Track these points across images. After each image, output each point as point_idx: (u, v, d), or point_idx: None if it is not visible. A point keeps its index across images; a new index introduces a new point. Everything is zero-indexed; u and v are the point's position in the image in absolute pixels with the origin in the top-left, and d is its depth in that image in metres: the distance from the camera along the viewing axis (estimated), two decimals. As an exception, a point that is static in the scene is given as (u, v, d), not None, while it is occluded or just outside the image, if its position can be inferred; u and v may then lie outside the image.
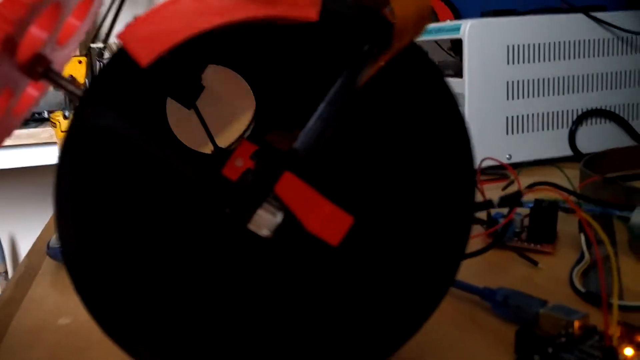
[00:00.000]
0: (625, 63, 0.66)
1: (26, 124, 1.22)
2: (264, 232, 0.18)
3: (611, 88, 0.65)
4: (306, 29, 0.18)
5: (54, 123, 1.40)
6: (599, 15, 0.63)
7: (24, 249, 1.78)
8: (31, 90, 0.19)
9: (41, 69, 0.18)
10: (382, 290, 0.21)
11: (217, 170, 0.20)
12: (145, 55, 0.17)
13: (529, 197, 0.45)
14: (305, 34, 0.20)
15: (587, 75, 0.64)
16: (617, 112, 0.66)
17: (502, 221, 0.41)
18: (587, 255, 0.37)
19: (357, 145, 0.21)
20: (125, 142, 0.17)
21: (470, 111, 0.61)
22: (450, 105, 0.19)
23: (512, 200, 0.32)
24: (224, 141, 0.24)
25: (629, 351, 0.26)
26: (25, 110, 0.19)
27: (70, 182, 0.18)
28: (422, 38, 0.70)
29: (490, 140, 0.62)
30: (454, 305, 0.33)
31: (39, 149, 1.41)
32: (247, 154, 0.20)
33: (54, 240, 0.44)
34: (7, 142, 1.18)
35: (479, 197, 0.44)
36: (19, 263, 0.45)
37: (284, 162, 0.18)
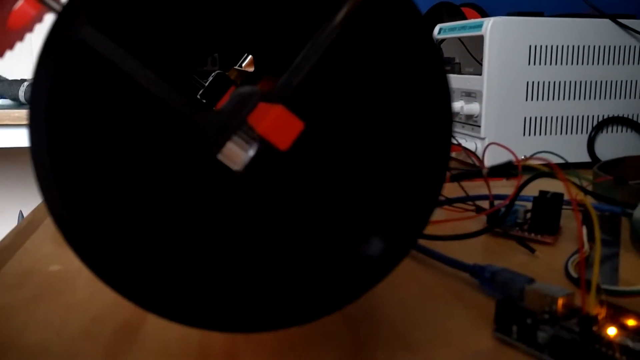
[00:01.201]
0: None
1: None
2: (236, 166, 0.19)
3: (634, 97, 0.64)
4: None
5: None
6: (626, 22, 0.63)
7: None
8: (26, 7, 0.20)
9: None
10: (350, 233, 0.21)
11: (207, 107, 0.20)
12: None
13: (534, 191, 0.45)
14: None
15: (609, 82, 0.63)
16: (638, 120, 0.65)
17: (503, 208, 0.41)
18: (586, 246, 0.37)
19: (336, 85, 0.21)
20: (102, 59, 0.18)
21: (487, 109, 0.61)
22: (430, 49, 0.19)
23: (503, 170, 0.32)
24: None
25: (612, 331, 0.26)
26: (23, 26, 0.20)
27: (45, 102, 0.18)
28: (447, 35, 0.70)
29: (506, 140, 0.61)
30: (441, 281, 0.33)
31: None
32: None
33: None
34: (21, 121, 1.20)
35: (484, 190, 0.44)
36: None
37: (258, 93, 0.18)
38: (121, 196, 0.21)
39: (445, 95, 0.20)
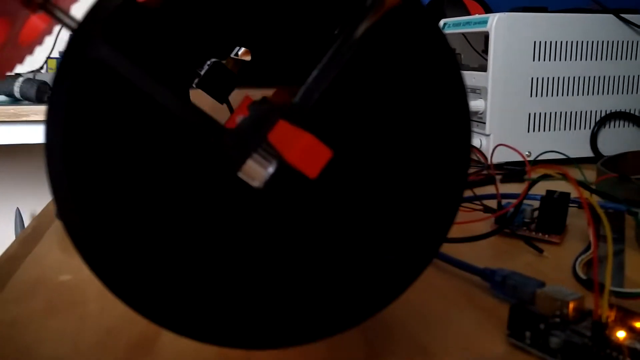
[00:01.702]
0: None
1: (43, 100, 1.22)
2: (256, 182, 0.19)
3: (636, 92, 0.64)
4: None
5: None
6: (630, 17, 0.63)
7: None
8: (37, 20, 0.20)
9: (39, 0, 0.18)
10: (369, 249, 0.21)
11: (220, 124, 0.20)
12: None
13: (541, 190, 0.45)
14: None
15: (613, 77, 0.63)
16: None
17: (510, 205, 0.41)
18: (593, 246, 0.37)
19: (354, 99, 0.22)
20: (119, 77, 0.18)
21: (492, 105, 0.61)
22: (449, 60, 0.19)
23: (515, 176, 0.32)
24: None
25: (621, 334, 0.26)
26: (33, 40, 0.20)
27: (61, 116, 0.18)
28: (452, 30, 0.70)
29: (511, 136, 0.62)
30: (453, 285, 0.33)
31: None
32: (246, 107, 0.21)
33: None
34: (23, 117, 1.19)
35: (492, 190, 0.45)
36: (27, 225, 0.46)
37: (278, 110, 0.19)
38: (136, 211, 0.21)
39: (463, 107, 0.20)
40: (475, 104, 0.61)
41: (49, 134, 0.19)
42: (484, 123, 0.61)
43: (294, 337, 0.20)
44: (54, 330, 0.28)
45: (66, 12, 0.18)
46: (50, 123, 0.19)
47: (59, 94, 0.18)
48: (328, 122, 0.20)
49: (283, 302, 0.21)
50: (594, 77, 0.63)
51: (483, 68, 0.62)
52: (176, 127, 0.19)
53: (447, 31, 0.69)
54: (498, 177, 0.33)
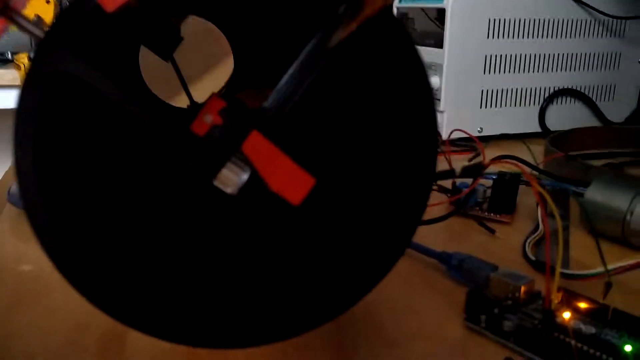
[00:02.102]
0: (599, 45, 0.67)
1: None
2: (229, 189, 0.19)
3: (583, 69, 0.67)
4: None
5: (18, 65, 1.35)
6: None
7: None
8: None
9: None
10: (340, 247, 0.22)
11: (185, 124, 0.20)
12: (111, 2, 0.17)
13: (493, 169, 0.47)
14: None
15: (563, 55, 0.66)
16: (586, 92, 0.68)
17: (465, 190, 0.43)
18: (541, 226, 0.39)
19: (324, 106, 0.22)
20: (86, 87, 0.18)
21: (447, 82, 0.62)
22: (419, 73, 0.20)
23: (474, 171, 0.33)
24: (200, 96, 0.25)
25: (566, 315, 0.28)
26: None
27: (28, 127, 0.18)
28: (409, 4, 0.70)
29: (464, 112, 0.64)
30: (412, 267, 0.35)
31: (1, 92, 1.36)
32: (216, 110, 0.21)
33: (14, 187, 0.43)
34: None
35: (445, 166, 0.46)
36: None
37: (252, 120, 0.19)
38: (106, 213, 0.21)
39: (431, 114, 0.21)
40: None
41: (18, 143, 0.19)
42: (438, 100, 0.63)
43: (266, 335, 0.21)
44: (22, 326, 0.28)
45: (30, 20, 0.18)
46: (20, 132, 0.18)
47: (27, 106, 0.18)
48: (299, 128, 0.21)
49: (255, 300, 0.21)
50: (545, 54, 0.65)
51: (438, 44, 0.63)
52: (146, 134, 0.19)
53: (404, 5, 0.70)
54: (458, 172, 0.34)
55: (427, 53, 0.64)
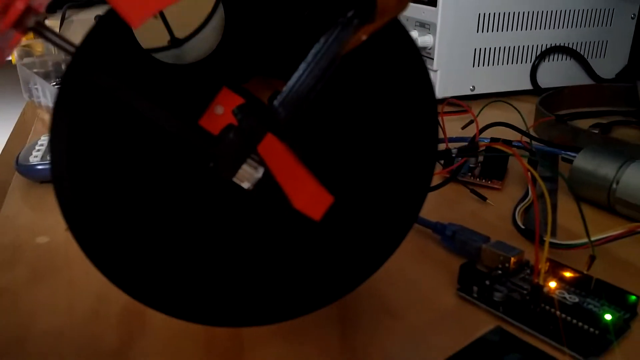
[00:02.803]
0: (592, 1, 0.67)
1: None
2: (246, 184, 0.21)
3: (576, 26, 0.67)
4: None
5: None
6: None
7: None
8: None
9: (31, 23, 0.19)
10: (352, 225, 0.24)
11: (202, 128, 0.21)
12: (136, 17, 0.18)
13: (485, 134, 0.49)
14: None
15: (555, 12, 0.66)
16: (578, 49, 0.69)
17: (459, 160, 0.45)
18: (530, 194, 0.41)
19: (331, 105, 0.23)
20: (113, 96, 0.19)
21: (440, 41, 0.62)
22: (424, 80, 0.21)
23: (469, 151, 0.35)
24: (182, 32, 0.25)
25: (552, 284, 0.30)
26: (10, 50, 0.20)
27: (64, 132, 0.20)
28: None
29: (456, 71, 0.64)
30: (410, 237, 0.36)
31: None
32: (226, 101, 0.22)
33: (23, 155, 0.44)
34: None
35: (440, 133, 0.48)
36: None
37: (266, 123, 0.20)
38: (133, 207, 0.23)
39: (433, 113, 0.22)
40: (424, 40, 0.63)
41: (54, 152, 0.20)
42: (432, 59, 0.63)
43: (286, 312, 0.23)
44: (46, 301, 0.30)
45: (61, 36, 0.19)
46: (55, 141, 0.20)
47: (61, 119, 0.19)
48: (310, 127, 0.22)
49: (268, 280, 0.23)
50: (538, 12, 0.65)
51: (432, 2, 0.63)
52: (172, 141, 0.21)
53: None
54: (454, 151, 0.36)
55: (420, 11, 0.64)
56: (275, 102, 0.21)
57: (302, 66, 0.21)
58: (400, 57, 0.21)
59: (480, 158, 0.46)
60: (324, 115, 0.23)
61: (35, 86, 0.61)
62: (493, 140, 0.46)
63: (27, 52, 0.69)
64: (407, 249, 0.35)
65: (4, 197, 0.42)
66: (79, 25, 1.12)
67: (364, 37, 0.20)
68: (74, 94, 0.19)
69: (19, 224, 0.38)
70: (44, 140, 0.47)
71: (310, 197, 0.19)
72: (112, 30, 0.19)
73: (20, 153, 0.45)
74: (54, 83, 0.59)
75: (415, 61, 0.21)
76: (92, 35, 0.19)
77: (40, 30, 0.19)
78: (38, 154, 0.44)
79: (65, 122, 0.20)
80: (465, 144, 0.47)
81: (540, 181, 0.33)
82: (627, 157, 0.40)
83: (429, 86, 0.22)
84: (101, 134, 0.21)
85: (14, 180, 0.45)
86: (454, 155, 0.35)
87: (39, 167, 0.43)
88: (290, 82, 0.21)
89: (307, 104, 0.21)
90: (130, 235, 0.23)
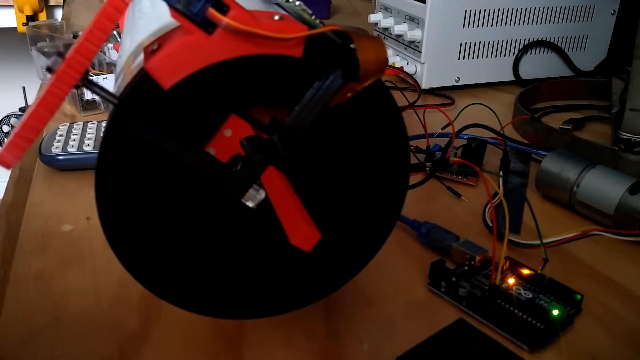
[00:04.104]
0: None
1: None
2: (250, 204, 0.26)
3: (558, 22, 0.71)
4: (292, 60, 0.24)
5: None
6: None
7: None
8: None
9: (82, 80, 0.23)
10: (341, 229, 0.29)
11: (216, 160, 0.26)
12: (167, 81, 0.23)
13: (465, 131, 0.53)
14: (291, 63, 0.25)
15: (537, 8, 0.69)
16: (559, 43, 0.72)
17: (438, 154, 0.49)
18: (500, 193, 0.46)
19: (321, 141, 0.28)
20: (151, 143, 0.23)
21: (428, 36, 0.66)
22: (400, 133, 0.26)
23: (441, 165, 0.39)
24: None
25: (511, 280, 0.36)
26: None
27: (108, 173, 0.24)
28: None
29: (443, 64, 0.68)
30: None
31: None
32: (234, 126, 0.26)
33: (45, 145, 0.48)
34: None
35: (421, 129, 0.52)
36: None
37: (269, 157, 0.25)
38: (157, 221, 0.28)
39: (405, 153, 0.27)
40: (413, 34, 0.67)
41: (100, 189, 0.25)
42: (420, 52, 0.67)
43: (279, 307, 0.28)
44: (75, 285, 0.35)
45: (106, 90, 0.23)
46: (101, 178, 0.25)
47: (105, 158, 0.24)
48: (304, 158, 0.27)
49: (268, 279, 0.28)
50: (522, 8, 0.68)
51: (422, -2, 0.66)
52: (192, 171, 0.25)
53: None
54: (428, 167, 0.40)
55: (411, 7, 0.67)
56: (275, 137, 0.26)
57: (298, 108, 0.25)
58: (382, 110, 0.26)
59: (459, 153, 0.51)
60: (315, 149, 0.27)
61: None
62: (471, 126, 0.51)
63: (36, 32, 0.72)
64: (387, 243, 0.40)
65: (30, 184, 0.46)
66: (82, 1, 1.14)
67: (349, 95, 0.24)
68: (115, 140, 0.24)
69: (45, 211, 0.43)
70: (62, 130, 0.51)
71: (303, 236, 0.24)
72: (147, 86, 0.23)
73: (42, 142, 0.49)
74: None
75: (394, 113, 0.26)
76: (132, 92, 0.23)
77: (89, 85, 0.23)
78: (59, 145, 0.48)
79: (107, 168, 0.24)
80: (447, 139, 0.52)
81: (499, 190, 0.38)
82: (589, 162, 0.44)
83: (403, 131, 0.27)
84: (137, 165, 0.25)
85: (38, 168, 0.49)
86: (427, 169, 0.40)
87: (60, 157, 0.47)
88: (289, 121, 0.25)
89: (302, 139, 0.25)
90: (153, 243, 0.27)
